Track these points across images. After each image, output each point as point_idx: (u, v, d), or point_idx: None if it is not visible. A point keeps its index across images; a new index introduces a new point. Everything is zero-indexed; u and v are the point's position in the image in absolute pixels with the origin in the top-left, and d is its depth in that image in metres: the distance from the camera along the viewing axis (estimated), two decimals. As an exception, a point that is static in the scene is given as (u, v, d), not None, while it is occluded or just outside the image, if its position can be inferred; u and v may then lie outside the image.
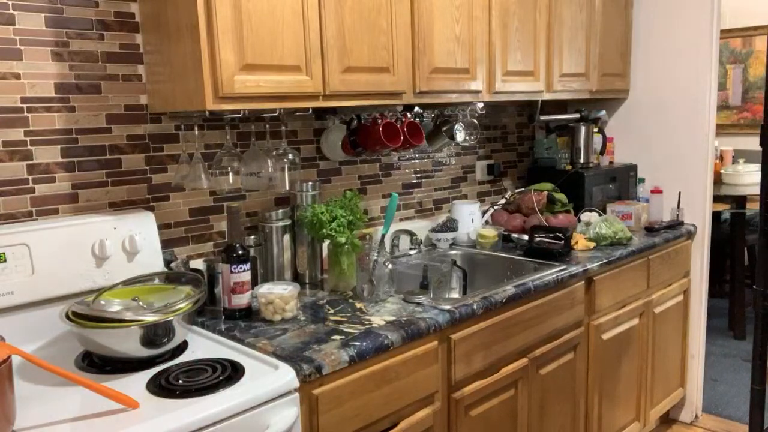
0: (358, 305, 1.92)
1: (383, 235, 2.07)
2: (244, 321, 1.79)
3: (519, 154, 3.20)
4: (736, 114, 5.04)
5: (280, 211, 2.08)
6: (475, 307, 1.90)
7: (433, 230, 2.64)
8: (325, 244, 2.11)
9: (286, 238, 2.09)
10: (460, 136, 2.52)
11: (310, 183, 2.12)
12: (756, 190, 3.90)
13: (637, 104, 3.16)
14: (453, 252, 2.59)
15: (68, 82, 1.74)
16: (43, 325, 1.64)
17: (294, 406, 1.44)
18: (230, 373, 1.44)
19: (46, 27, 1.69)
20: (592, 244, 2.57)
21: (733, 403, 3.32)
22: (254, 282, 1.94)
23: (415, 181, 2.71)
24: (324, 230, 2.00)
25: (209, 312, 1.86)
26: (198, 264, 1.97)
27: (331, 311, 1.87)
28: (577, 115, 3.02)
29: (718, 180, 4.18)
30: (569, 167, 3.01)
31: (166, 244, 1.95)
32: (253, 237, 2.04)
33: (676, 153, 3.06)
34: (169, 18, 1.70)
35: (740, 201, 4.06)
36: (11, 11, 1.63)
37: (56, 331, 1.66)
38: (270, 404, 1.39)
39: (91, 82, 1.78)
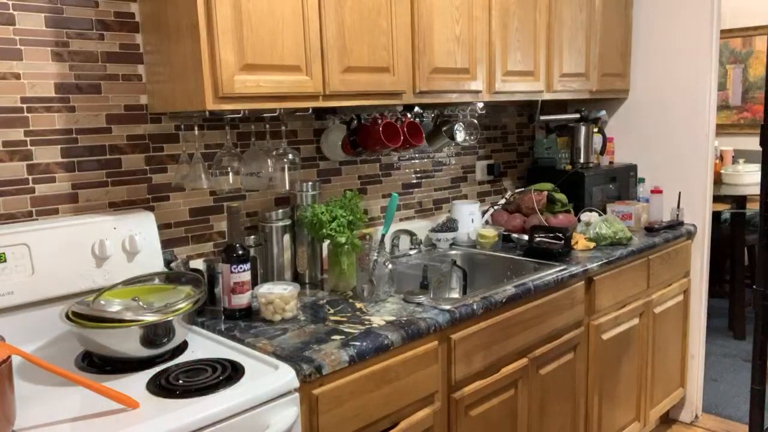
0: (358, 305, 1.92)
1: (383, 235, 2.07)
2: (244, 321, 1.79)
3: (519, 154, 3.21)
4: (736, 114, 5.04)
5: (280, 211, 2.08)
6: (475, 307, 1.90)
7: (433, 230, 2.64)
8: (325, 244, 2.11)
9: (286, 238, 2.09)
10: (460, 136, 2.52)
11: (310, 183, 2.12)
12: (756, 190, 3.90)
13: (637, 104, 3.16)
14: (453, 252, 2.59)
15: (68, 82, 1.74)
16: (43, 325, 1.64)
17: (294, 406, 1.44)
18: (230, 373, 1.44)
19: (46, 27, 1.69)
20: (592, 244, 2.57)
21: (733, 403, 3.33)
22: (254, 282, 1.94)
23: (415, 181, 2.71)
24: (324, 230, 2.00)
25: (209, 312, 1.86)
26: (198, 264, 1.97)
27: (331, 311, 1.87)
28: (577, 115, 3.02)
29: (718, 180, 4.18)
30: (569, 167, 3.01)
31: (166, 244, 1.95)
32: (253, 237, 2.04)
33: (676, 153, 3.06)
34: (169, 18, 1.70)
35: (740, 201, 4.06)
36: (11, 11, 1.63)
37: (56, 331, 1.66)
38: (270, 404, 1.39)
39: (91, 82, 1.78)
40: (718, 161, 4.42)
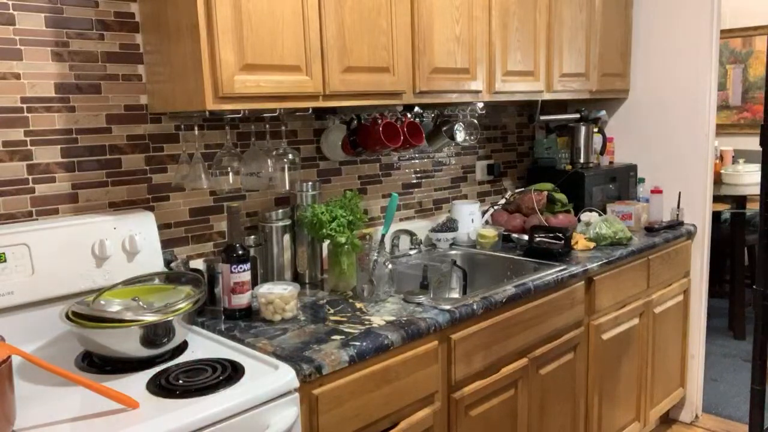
0: (358, 305, 1.92)
1: (383, 235, 2.07)
2: (244, 321, 1.79)
3: (519, 154, 3.21)
4: (736, 114, 5.04)
5: (280, 211, 2.08)
6: (475, 307, 1.90)
7: (433, 230, 2.64)
8: (325, 244, 2.11)
9: (286, 238, 2.09)
10: (460, 136, 2.52)
11: (310, 183, 2.12)
12: (756, 190, 3.90)
13: (637, 104, 3.16)
14: (453, 252, 2.59)
15: (68, 82, 1.74)
16: (43, 325, 1.64)
17: (294, 406, 1.44)
18: (230, 373, 1.44)
19: (46, 27, 1.69)
20: (592, 244, 2.57)
21: (733, 403, 3.33)
22: (254, 282, 1.94)
23: (415, 181, 2.71)
24: (324, 230, 2.00)
25: (209, 312, 1.86)
26: (198, 264, 1.97)
27: (331, 311, 1.87)
28: (577, 115, 3.02)
29: (718, 180, 4.18)
30: (569, 167, 3.01)
31: (166, 244, 1.95)
32: (253, 237, 2.04)
33: (676, 153, 3.06)
34: (169, 18, 1.70)
35: (740, 201, 4.06)
36: (11, 11, 1.63)
37: (56, 331, 1.66)
38: (270, 404, 1.39)
39: (91, 82, 1.78)
40: (718, 161, 4.42)
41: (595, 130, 3.07)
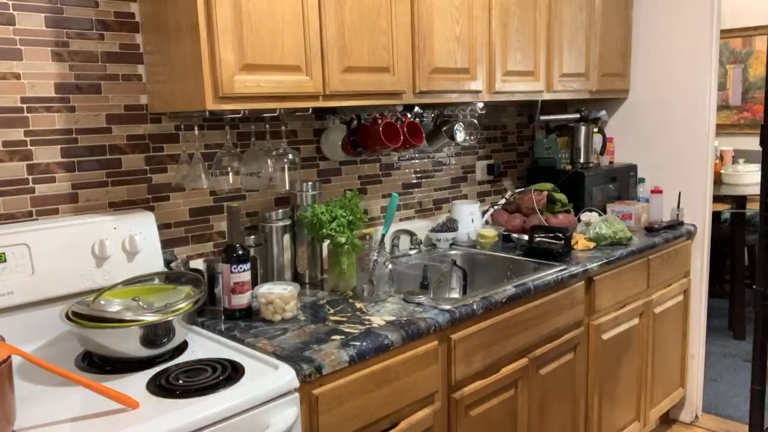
0: (358, 305, 1.92)
1: (383, 235, 2.07)
2: (244, 321, 1.79)
3: (519, 154, 3.21)
4: (736, 114, 5.04)
5: (280, 211, 2.08)
6: (475, 307, 1.90)
7: (433, 230, 2.64)
8: (325, 244, 2.11)
9: (286, 238, 2.09)
10: (460, 136, 2.52)
11: (310, 183, 2.12)
12: (756, 190, 3.90)
13: (637, 104, 3.16)
14: (453, 252, 2.59)
15: (68, 82, 1.74)
16: (43, 325, 1.64)
17: (294, 406, 1.44)
18: (230, 373, 1.44)
19: (46, 27, 1.69)
20: (592, 244, 2.57)
21: (733, 403, 3.33)
22: (254, 282, 1.94)
23: (415, 181, 2.71)
24: (324, 230, 2.00)
25: (209, 312, 1.86)
26: (198, 264, 1.97)
27: (331, 311, 1.87)
28: (577, 115, 3.02)
29: (718, 180, 4.18)
30: (569, 167, 3.01)
31: (166, 244, 1.95)
32: (253, 237, 2.04)
33: (676, 153, 3.06)
34: (169, 18, 1.70)
35: (740, 201, 4.06)
36: (11, 11, 1.63)
37: (56, 331, 1.66)
38: (270, 404, 1.39)
39: (91, 82, 1.78)
40: (718, 161, 4.42)
41: (595, 130, 3.07)
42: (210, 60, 1.62)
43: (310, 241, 2.10)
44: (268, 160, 2.00)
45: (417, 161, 2.71)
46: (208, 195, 2.05)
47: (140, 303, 1.54)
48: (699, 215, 3.03)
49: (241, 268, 1.78)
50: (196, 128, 1.98)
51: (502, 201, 2.94)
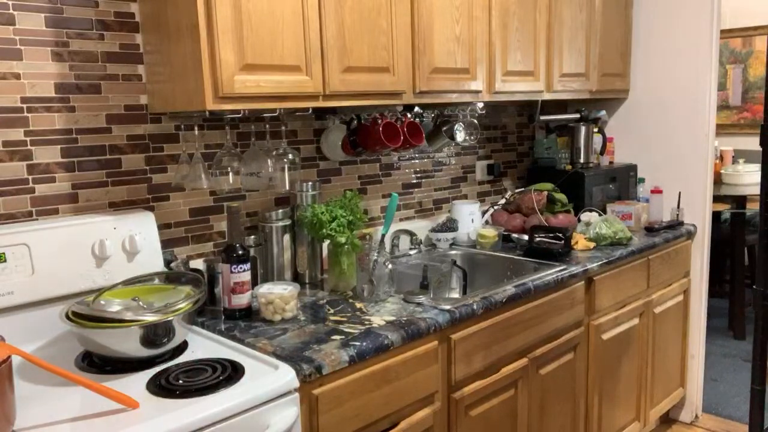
0: (358, 305, 1.92)
1: (383, 235, 2.07)
2: (244, 321, 1.79)
3: (519, 154, 3.21)
4: (736, 114, 5.04)
5: (280, 211, 2.08)
6: (475, 307, 1.90)
7: (433, 230, 2.64)
8: (325, 244, 2.11)
9: (286, 238, 2.09)
10: (460, 136, 2.52)
11: (310, 183, 2.12)
12: (756, 190, 3.90)
13: (637, 104, 3.16)
14: (453, 252, 2.59)
15: (68, 82, 1.74)
16: (43, 325, 1.64)
17: (294, 406, 1.44)
18: (230, 373, 1.44)
19: (46, 27, 1.69)
20: (592, 244, 2.57)
21: (733, 403, 3.33)
22: (254, 282, 1.94)
23: (415, 181, 2.71)
24: (324, 230, 2.00)
25: (209, 312, 1.86)
26: (198, 264, 1.97)
27: (331, 311, 1.87)
28: (577, 115, 3.02)
29: (718, 180, 4.18)
30: (569, 167, 3.01)
31: (166, 244, 1.95)
32: (253, 237, 2.04)
33: (676, 153, 3.06)
34: (169, 18, 1.70)
35: (740, 201, 4.06)
36: (11, 11, 1.63)
37: (56, 331, 1.66)
38: (270, 404, 1.39)
39: (91, 82, 1.78)
40: (718, 161, 4.42)
41: (595, 130, 3.07)
42: (210, 60, 1.62)
43: (310, 241, 2.10)
44: (268, 160, 2.00)
45: (417, 161, 2.71)
46: (208, 195, 2.05)
47: (140, 303, 1.54)
48: (699, 215, 3.03)
49: (241, 268, 1.78)
50: (196, 128, 1.98)
51: (502, 201, 2.94)
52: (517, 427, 2.12)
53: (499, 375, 2.02)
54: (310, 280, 2.11)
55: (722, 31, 4.22)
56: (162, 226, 1.94)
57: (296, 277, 2.12)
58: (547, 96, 2.67)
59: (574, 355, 2.35)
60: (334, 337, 1.65)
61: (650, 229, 2.84)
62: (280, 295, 1.77)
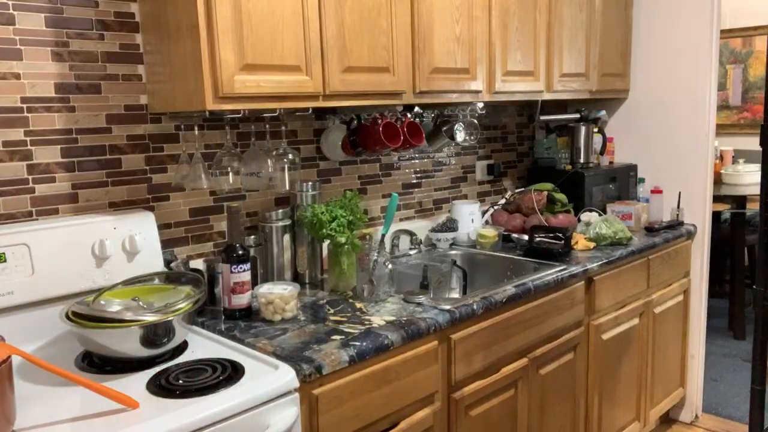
0: (358, 305, 1.92)
1: (383, 235, 2.07)
2: (244, 321, 1.79)
3: (519, 154, 3.20)
4: (736, 114, 5.04)
5: (280, 211, 2.08)
6: (475, 307, 1.90)
7: (433, 230, 2.64)
8: (325, 244, 2.11)
9: (286, 238, 2.09)
10: (460, 136, 2.52)
11: (310, 183, 2.12)
12: (756, 190, 3.90)
13: (637, 104, 3.16)
14: (453, 252, 2.59)
15: (68, 82, 1.74)
16: (43, 325, 1.64)
17: (294, 406, 1.44)
18: (230, 373, 1.44)
19: (46, 27, 1.69)
20: (592, 244, 2.57)
21: (733, 403, 3.33)
22: (254, 282, 1.94)
23: (415, 181, 2.71)
24: (324, 230, 2.00)
25: (209, 312, 1.86)
26: (198, 264, 1.97)
27: (331, 311, 1.87)
28: (577, 115, 3.02)
29: (718, 180, 4.18)
30: (569, 167, 3.01)
31: (166, 244, 1.95)
32: (253, 237, 2.04)
33: (676, 153, 3.06)
34: (169, 18, 1.70)
35: (740, 201, 4.06)
36: (11, 11, 1.63)
37: (56, 331, 1.66)
38: (270, 404, 1.39)
39: (91, 82, 1.78)
40: (718, 161, 4.42)
41: (595, 130, 3.07)
42: (210, 60, 1.62)
43: (310, 241, 2.10)
44: (268, 160, 2.00)
45: (417, 161, 2.71)
46: (208, 195, 2.05)
47: (140, 303, 1.54)
48: (699, 215, 3.03)
49: (241, 268, 1.78)
50: (196, 128, 1.98)
51: (502, 201, 2.94)
52: (517, 427, 2.12)
53: (499, 375, 2.02)
54: (310, 280, 2.11)
55: (722, 31, 4.22)
56: (162, 226, 1.94)
57: (296, 277, 2.12)
58: (547, 96, 2.67)
59: (574, 355, 2.35)
60: (334, 337, 1.65)
61: (650, 229, 2.84)
62: (280, 295, 1.77)
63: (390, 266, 1.99)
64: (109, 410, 1.29)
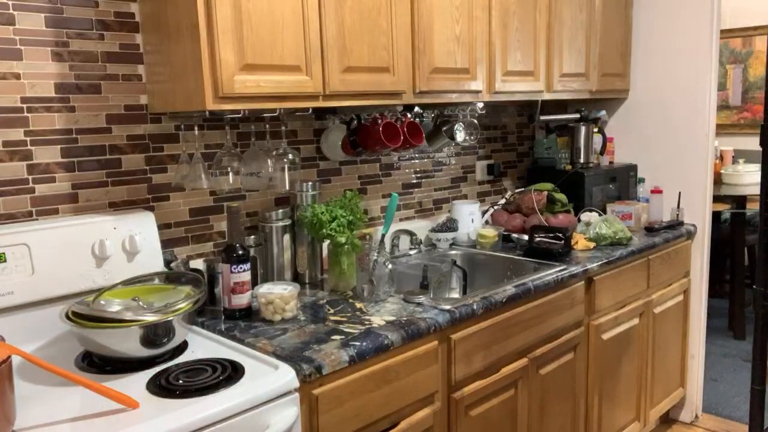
0: (358, 305, 1.92)
1: (383, 235, 2.07)
2: (244, 321, 1.79)
3: (519, 154, 3.20)
4: (736, 114, 5.04)
5: (280, 211, 2.08)
6: (475, 307, 1.90)
7: (433, 230, 2.64)
8: (325, 244, 2.11)
9: (286, 238, 2.09)
10: (460, 136, 2.52)
11: (310, 183, 2.12)
12: (756, 190, 3.90)
13: (637, 104, 3.16)
14: (453, 252, 2.59)
15: (68, 82, 1.74)
16: (43, 325, 1.64)
17: (294, 406, 1.44)
18: (230, 373, 1.44)
19: (46, 27, 1.69)
20: (592, 244, 2.57)
21: (733, 403, 3.32)
22: (254, 282, 1.94)
23: (415, 181, 2.71)
24: (324, 230, 2.00)
25: (209, 312, 1.86)
26: (198, 264, 1.97)
27: (331, 311, 1.87)
28: (577, 115, 3.02)
29: (718, 180, 4.18)
30: (569, 167, 3.01)
31: (166, 244, 1.95)
32: (253, 237, 2.04)
33: (676, 153, 3.06)
34: (169, 18, 1.70)
35: (740, 201, 4.06)
36: (11, 11, 1.63)
37: (56, 331, 1.66)
38: (270, 404, 1.39)
39: (91, 82, 1.78)
40: (718, 161, 4.42)
41: (595, 130, 3.07)
42: (210, 60, 1.62)
43: (310, 241, 2.10)
44: (268, 160, 2.00)
45: (417, 161, 2.71)
46: (208, 195, 2.05)
47: (140, 303, 1.54)
48: (699, 215, 3.03)
49: (241, 268, 1.78)
50: (196, 128, 1.98)
51: (502, 201, 2.94)
52: (517, 427, 2.12)
53: (499, 375, 2.02)
54: (310, 280, 2.11)
55: (722, 31, 4.23)
56: (162, 226, 1.94)
57: (296, 277, 2.12)
58: (547, 96, 2.67)
59: (574, 355, 2.35)
60: (334, 337, 1.65)
61: (650, 229, 2.84)
62: (280, 295, 1.77)
63: (390, 266, 1.99)
64: (109, 410, 1.29)
